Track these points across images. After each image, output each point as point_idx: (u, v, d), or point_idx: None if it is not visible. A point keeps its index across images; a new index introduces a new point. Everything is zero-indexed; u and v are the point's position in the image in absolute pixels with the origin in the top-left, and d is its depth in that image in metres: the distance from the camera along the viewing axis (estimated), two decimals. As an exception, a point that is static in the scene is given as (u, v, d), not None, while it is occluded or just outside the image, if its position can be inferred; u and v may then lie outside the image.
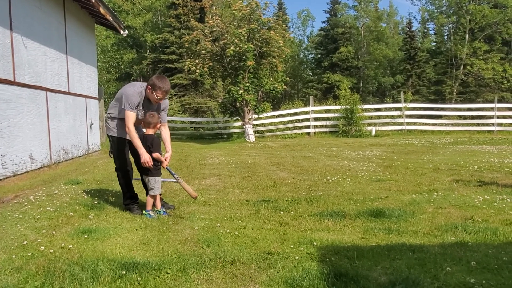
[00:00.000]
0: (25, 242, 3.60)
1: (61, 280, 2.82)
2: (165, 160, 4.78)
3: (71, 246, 3.52)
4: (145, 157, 4.52)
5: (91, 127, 11.30)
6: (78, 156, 10.23)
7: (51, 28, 8.80)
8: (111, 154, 5.05)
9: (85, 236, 3.78)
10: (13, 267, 3.05)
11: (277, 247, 3.50)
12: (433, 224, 4.19)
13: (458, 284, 2.68)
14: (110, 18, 10.81)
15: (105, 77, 28.58)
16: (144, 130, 4.77)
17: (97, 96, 12.22)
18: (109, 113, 4.88)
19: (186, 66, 18.15)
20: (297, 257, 3.23)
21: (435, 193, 5.70)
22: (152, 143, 4.67)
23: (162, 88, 4.59)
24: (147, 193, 4.84)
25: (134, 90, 4.64)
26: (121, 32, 12.32)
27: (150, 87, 4.61)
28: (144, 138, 4.67)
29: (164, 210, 4.78)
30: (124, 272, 2.93)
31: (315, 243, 3.55)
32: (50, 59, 8.66)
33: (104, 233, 3.89)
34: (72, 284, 2.76)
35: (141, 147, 4.54)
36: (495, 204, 5.00)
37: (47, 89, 8.46)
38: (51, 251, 3.39)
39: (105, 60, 27.75)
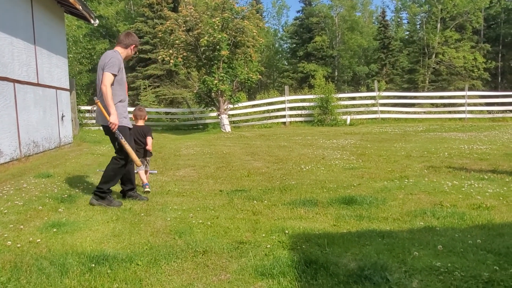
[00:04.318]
0: (-9, 238, 3.51)
1: (28, 274, 2.76)
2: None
3: (39, 240, 3.45)
4: (115, 118, 4.54)
5: (62, 119, 11.06)
6: (50, 149, 10.01)
7: (18, 17, 8.54)
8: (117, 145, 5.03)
9: (54, 230, 3.71)
10: (-22, 263, 2.98)
11: (249, 236, 3.51)
12: (403, 210, 4.27)
13: (425, 268, 2.74)
14: (80, 7, 10.54)
15: (77, 68, 27.90)
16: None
17: (68, 88, 11.95)
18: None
19: (160, 57, 17.93)
20: (268, 246, 3.24)
21: (406, 180, 5.81)
22: (147, 131, 5.58)
23: (138, 41, 4.94)
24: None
25: (119, 58, 4.70)
26: (92, 21, 12.03)
27: (134, 45, 4.87)
28: (137, 129, 5.17)
29: None
30: (93, 265, 2.89)
31: (286, 231, 3.57)
32: (17, 49, 8.41)
33: (74, 226, 3.83)
34: (39, 279, 2.70)
35: (113, 106, 4.54)
36: (463, 189, 5.13)
37: (14, 81, 8.22)
38: (18, 245, 3.31)
39: (77, 51, 27.05)
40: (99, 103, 4.65)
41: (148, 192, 5.35)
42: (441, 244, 3.15)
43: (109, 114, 4.53)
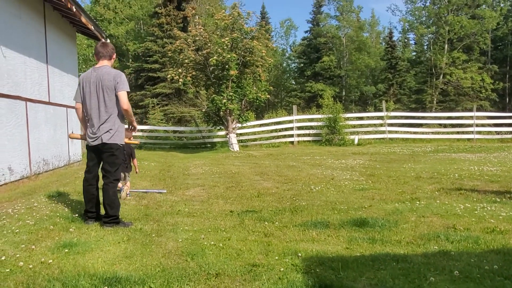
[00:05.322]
0: (3, 258, 3.49)
1: (40, 296, 2.75)
2: None
3: (51, 261, 3.43)
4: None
5: (72, 137, 11.13)
6: (59, 167, 10.06)
7: (31, 37, 8.68)
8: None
9: (66, 250, 3.69)
10: (-9, 283, 2.97)
11: (262, 259, 3.47)
12: (416, 233, 4.22)
13: (442, 294, 2.69)
14: (92, 27, 10.72)
15: (87, 87, 28.19)
16: None
17: (79, 106, 12.05)
18: (112, 115, 4.68)
19: (169, 75, 18.09)
20: (282, 269, 3.21)
21: (418, 202, 5.75)
22: (132, 151, 6.54)
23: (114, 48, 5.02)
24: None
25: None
26: (103, 41, 12.21)
27: (115, 54, 4.92)
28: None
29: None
30: (106, 287, 2.87)
31: (299, 254, 3.54)
32: (30, 68, 8.53)
33: (85, 246, 3.81)
34: (52, 301, 2.69)
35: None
36: (476, 212, 5.06)
37: (26, 99, 8.32)
38: (30, 266, 3.30)
39: (87, 70, 27.47)
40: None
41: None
42: (457, 270, 3.11)
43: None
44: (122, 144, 4.80)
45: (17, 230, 4.35)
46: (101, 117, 4.64)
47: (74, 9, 9.23)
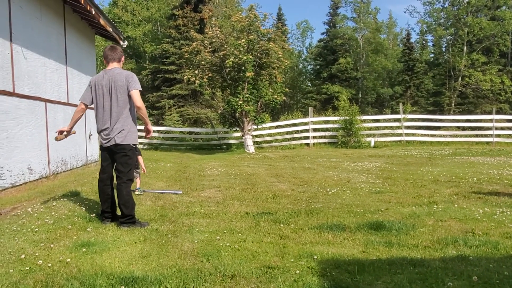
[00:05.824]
0: (23, 256, 3.56)
1: (59, 295, 2.79)
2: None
3: (69, 260, 3.48)
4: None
5: (89, 137, 11.27)
6: (77, 167, 10.20)
7: (51, 39, 8.82)
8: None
9: (84, 250, 3.74)
10: (11, 281, 3.02)
11: (278, 261, 3.47)
12: (434, 237, 4.17)
13: (460, 300, 2.65)
14: (110, 29, 10.84)
15: (105, 88, 28.54)
16: None
17: (97, 107, 12.19)
18: (125, 116, 4.72)
19: (185, 77, 18.17)
20: (297, 271, 3.20)
21: (435, 206, 5.68)
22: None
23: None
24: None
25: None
26: (121, 43, 12.35)
27: (123, 56, 4.99)
28: None
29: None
30: (123, 287, 2.90)
31: (315, 257, 3.52)
32: (49, 70, 8.67)
33: (102, 246, 3.86)
34: (70, 299, 2.72)
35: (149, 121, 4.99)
36: (495, 217, 4.98)
37: (46, 100, 8.45)
38: (49, 265, 3.35)
39: (104, 71, 27.75)
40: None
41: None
42: (476, 275, 3.06)
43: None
44: (134, 145, 4.85)
45: (36, 229, 4.43)
46: (114, 118, 4.69)
47: (93, 11, 9.35)
